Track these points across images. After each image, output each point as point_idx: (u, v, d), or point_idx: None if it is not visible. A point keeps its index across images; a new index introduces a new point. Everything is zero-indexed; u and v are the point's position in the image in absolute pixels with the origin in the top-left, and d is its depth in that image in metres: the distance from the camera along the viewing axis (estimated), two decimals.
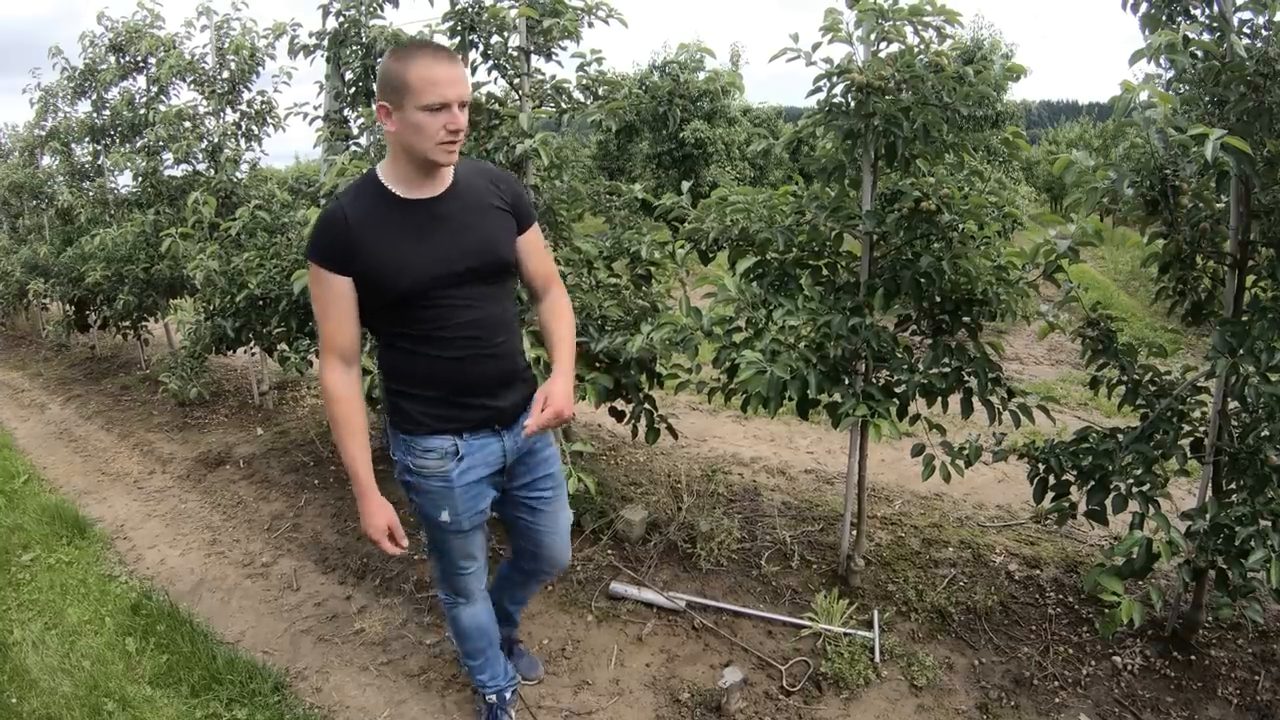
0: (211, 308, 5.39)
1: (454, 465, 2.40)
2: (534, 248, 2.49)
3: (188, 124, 6.96)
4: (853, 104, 3.07)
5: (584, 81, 4.26)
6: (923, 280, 3.13)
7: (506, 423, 2.46)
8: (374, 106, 2.21)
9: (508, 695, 2.98)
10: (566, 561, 2.90)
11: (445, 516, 2.46)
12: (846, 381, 3.22)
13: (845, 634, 3.30)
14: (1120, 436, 3.02)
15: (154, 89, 7.58)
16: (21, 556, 4.54)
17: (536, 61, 4.13)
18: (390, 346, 2.36)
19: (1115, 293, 12.07)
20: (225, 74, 6.87)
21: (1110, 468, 2.95)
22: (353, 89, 5.14)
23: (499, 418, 2.44)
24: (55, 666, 3.48)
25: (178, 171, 7.41)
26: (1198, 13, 2.73)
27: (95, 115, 8.43)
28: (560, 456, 2.79)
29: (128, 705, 3.20)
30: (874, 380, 3.29)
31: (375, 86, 2.23)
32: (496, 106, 4.23)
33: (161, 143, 6.98)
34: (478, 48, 4.28)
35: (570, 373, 2.43)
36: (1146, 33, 2.75)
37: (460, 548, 2.58)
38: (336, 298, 2.23)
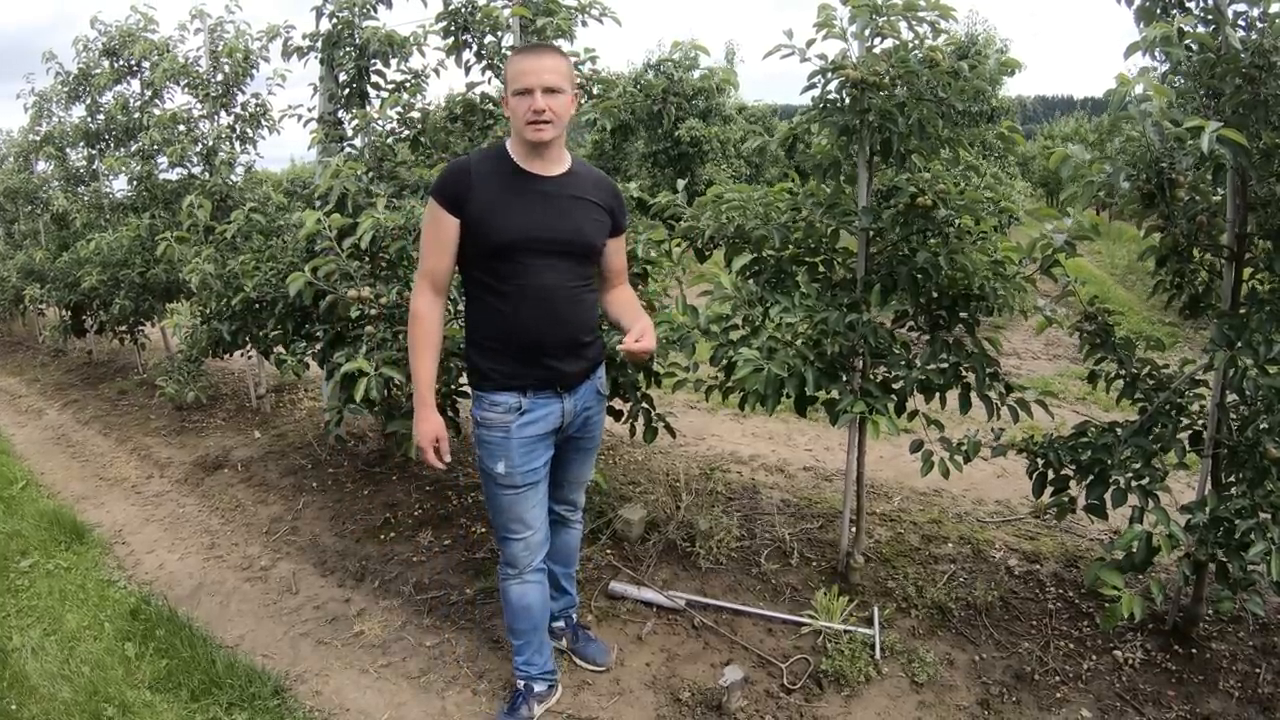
0: (208, 311, 5.38)
1: (515, 418, 2.64)
2: (618, 250, 2.83)
3: (182, 127, 6.94)
4: (847, 100, 3.06)
5: (578, 80, 4.25)
6: (919, 276, 3.13)
7: (569, 386, 2.72)
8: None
9: (536, 688, 3.01)
10: (581, 501, 3.18)
11: (501, 468, 2.67)
12: (844, 378, 3.21)
13: (845, 631, 3.29)
14: (1119, 430, 3.02)
15: (148, 93, 7.57)
16: (20, 562, 4.53)
17: None
18: (476, 300, 2.65)
19: (1111, 287, 12.08)
20: (219, 77, 6.85)
21: (1109, 462, 2.94)
22: (347, 90, 5.13)
23: (561, 380, 2.69)
24: (54, 672, 3.46)
25: (173, 175, 7.40)
26: (1192, 5, 2.73)
27: (90, 120, 8.43)
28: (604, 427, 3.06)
29: (128, 711, 3.18)
30: (872, 377, 3.28)
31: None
32: (491, 106, 4.22)
33: (156, 146, 6.96)
34: (471, 48, 4.28)
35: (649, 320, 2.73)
36: (1141, 26, 2.75)
37: (512, 506, 2.74)
38: (442, 233, 2.56)
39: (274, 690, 3.24)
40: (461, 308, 3.25)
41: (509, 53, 2.63)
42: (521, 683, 2.99)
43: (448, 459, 2.69)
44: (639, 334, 2.55)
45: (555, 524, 3.06)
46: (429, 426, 2.65)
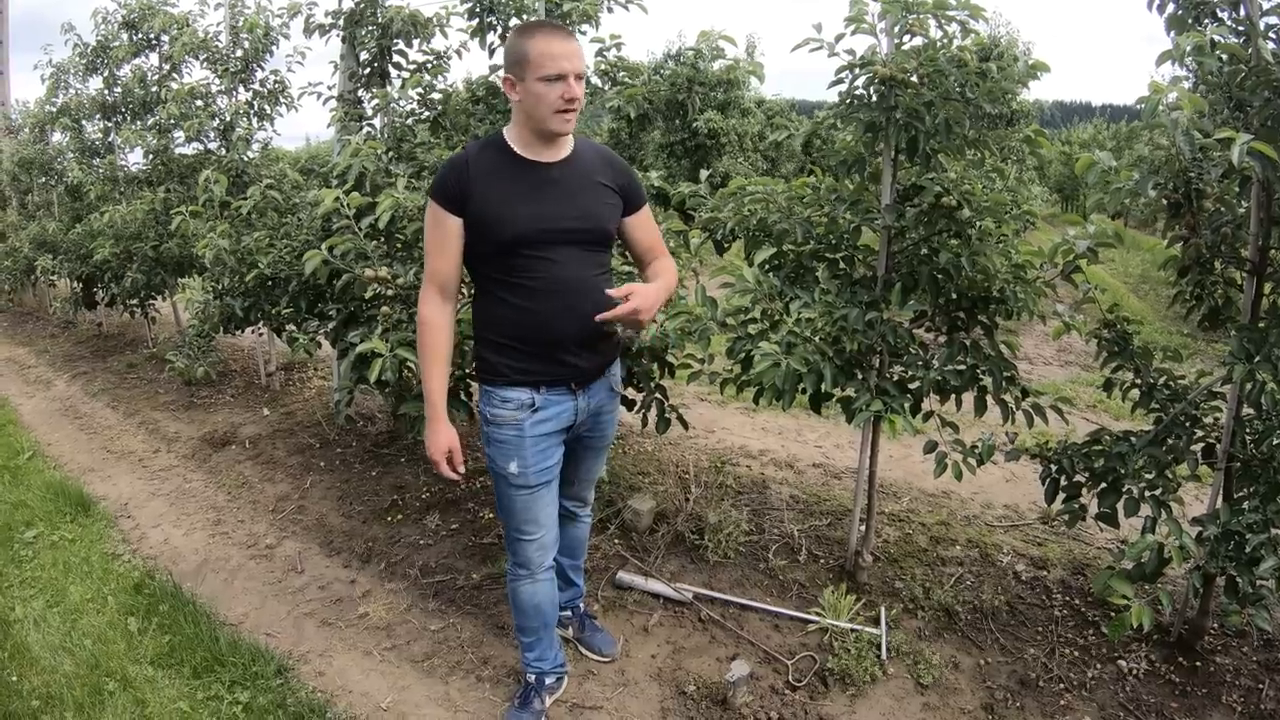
0: (220, 287, 5.38)
1: (528, 416, 2.55)
2: (644, 225, 2.72)
3: (200, 102, 6.94)
4: (875, 97, 3.04)
5: (603, 66, 4.23)
6: (940, 276, 3.11)
7: (584, 383, 2.64)
8: (501, 79, 2.47)
9: (548, 680, 2.99)
10: (590, 497, 3.14)
11: (514, 468, 2.58)
12: (861, 376, 3.20)
13: (852, 630, 3.29)
14: (1133, 439, 3.00)
15: (166, 66, 7.58)
16: (25, 533, 4.54)
17: None
18: (486, 294, 2.56)
19: (1126, 296, 12.04)
20: (239, 52, 6.83)
21: (1123, 470, 2.93)
22: (368, 69, 5.12)
23: (576, 376, 2.60)
24: (57, 645, 3.47)
25: (189, 150, 7.41)
26: (1224, 16, 2.70)
27: (107, 92, 8.43)
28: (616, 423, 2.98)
29: (129, 685, 3.19)
30: (889, 375, 3.27)
31: (503, 62, 2.48)
32: None
33: (173, 120, 6.96)
34: (495, 30, 4.26)
35: (664, 291, 2.62)
36: (1172, 35, 2.72)
37: (525, 507, 2.66)
38: (446, 235, 2.45)
39: (277, 670, 3.24)
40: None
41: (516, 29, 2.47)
42: (533, 676, 2.98)
43: (462, 470, 2.61)
44: (627, 298, 2.38)
45: (564, 519, 3.02)
46: (442, 439, 2.56)
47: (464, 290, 2.98)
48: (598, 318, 2.42)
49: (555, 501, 2.76)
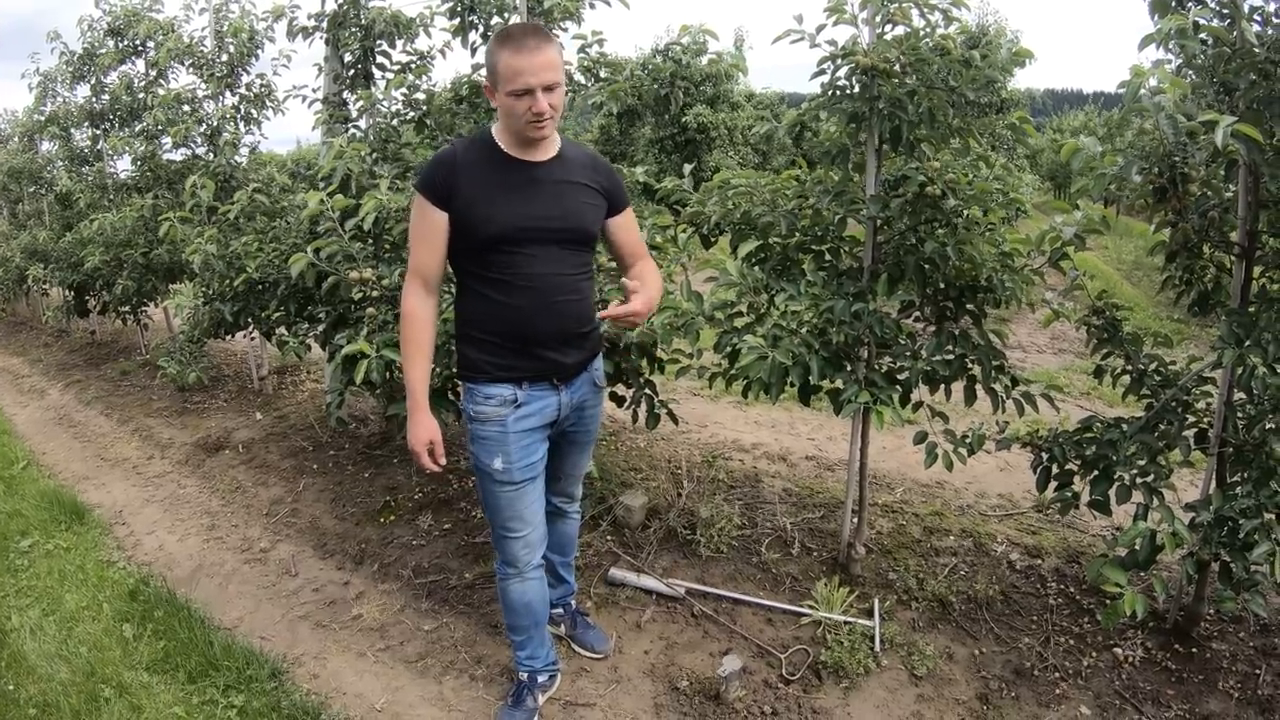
0: (210, 292, 5.37)
1: (510, 411, 2.56)
2: (626, 226, 2.72)
3: (186, 108, 6.92)
4: (857, 87, 3.03)
5: (585, 63, 4.22)
6: (927, 266, 3.10)
7: (566, 378, 2.64)
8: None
9: (540, 679, 2.99)
10: (578, 494, 3.13)
11: (498, 464, 2.59)
12: (849, 368, 3.19)
13: (845, 622, 3.28)
14: (1124, 426, 2.99)
15: (153, 73, 7.55)
16: (20, 542, 4.53)
17: None
18: (467, 290, 2.56)
19: (1118, 283, 12.04)
20: (224, 57, 6.81)
21: (1114, 458, 2.92)
22: (352, 71, 5.11)
23: (558, 372, 2.60)
24: (53, 653, 3.46)
25: (176, 155, 7.38)
26: None
27: (94, 100, 8.41)
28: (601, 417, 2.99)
29: (125, 692, 3.18)
30: (877, 367, 3.26)
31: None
32: None
33: (160, 126, 6.94)
34: (478, 29, 4.24)
35: (658, 295, 2.64)
36: (1155, 18, 2.71)
37: (510, 504, 2.66)
38: (430, 228, 2.46)
39: (271, 673, 3.23)
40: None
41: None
42: (525, 675, 2.96)
43: (443, 462, 2.63)
44: (630, 297, 2.41)
45: (552, 515, 3.02)
46: (423, 431, 2.57)
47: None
48: (600, 314, 2.43)
49: (541, 499, 2.76)
